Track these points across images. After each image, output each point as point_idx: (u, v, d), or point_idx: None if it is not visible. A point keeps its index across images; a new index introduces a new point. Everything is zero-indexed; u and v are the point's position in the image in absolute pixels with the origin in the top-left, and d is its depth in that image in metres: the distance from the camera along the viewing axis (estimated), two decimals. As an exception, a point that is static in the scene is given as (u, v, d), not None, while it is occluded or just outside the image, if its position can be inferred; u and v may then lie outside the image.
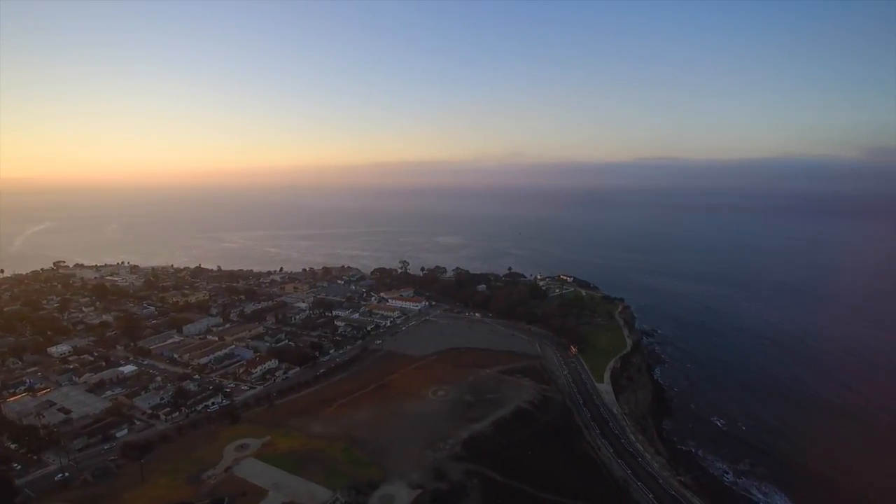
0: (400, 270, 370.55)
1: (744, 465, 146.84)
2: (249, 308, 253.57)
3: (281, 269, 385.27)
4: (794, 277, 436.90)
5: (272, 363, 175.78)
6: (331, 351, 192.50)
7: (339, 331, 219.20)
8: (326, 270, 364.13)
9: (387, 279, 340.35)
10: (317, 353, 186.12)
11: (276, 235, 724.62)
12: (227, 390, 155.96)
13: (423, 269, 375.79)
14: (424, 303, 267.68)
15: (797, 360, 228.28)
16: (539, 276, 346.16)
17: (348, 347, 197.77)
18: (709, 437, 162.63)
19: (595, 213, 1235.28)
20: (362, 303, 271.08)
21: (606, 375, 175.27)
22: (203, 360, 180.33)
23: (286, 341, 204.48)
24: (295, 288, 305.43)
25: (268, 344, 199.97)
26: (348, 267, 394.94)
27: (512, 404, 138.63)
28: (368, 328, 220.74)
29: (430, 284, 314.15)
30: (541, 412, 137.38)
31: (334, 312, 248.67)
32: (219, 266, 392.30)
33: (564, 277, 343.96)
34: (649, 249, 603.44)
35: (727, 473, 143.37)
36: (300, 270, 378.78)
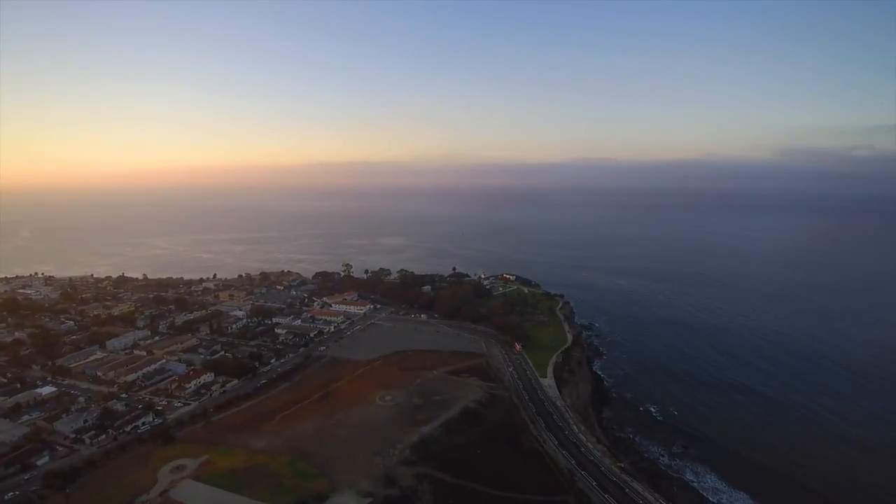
0: (343, 274, 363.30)
1: (677, 447, 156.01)
2: (180, 319, 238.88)
3: (214, 275, 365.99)
4: (716, 270, 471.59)
5: (208, 377, 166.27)
6: (271, 361, 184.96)
7: (280, 339, 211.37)
8: (264, 276, 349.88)
9: (329, 283, 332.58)
10: (256, 364, 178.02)
11: (207, 240, 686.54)
12: (159, 408, 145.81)
13: (367, 271, 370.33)
14: (369, 306, 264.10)
15: (717, 348, 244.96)
16: (483, 276, 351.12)
17: (290, 356, 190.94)
18: (644, 424, 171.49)
19: (534, 213, 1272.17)
20: (304, 309, 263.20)
21: (549, 370, 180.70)
22: (130, 378, 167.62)
23: (222, 353, 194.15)
24: (230, 295, 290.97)
25: (202, 356, 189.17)
26: (288, 271, 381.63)
27: (460, 404, 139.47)
28: (311, 335, 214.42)
29: (375, 287, 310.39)
30: (488, 410, 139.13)
31: (274, 320, 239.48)
32: (145, 274, 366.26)
33: (507, 276, 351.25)
34: (585, 246, 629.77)
35: (662, 456, 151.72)
36: (236, 277, 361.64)
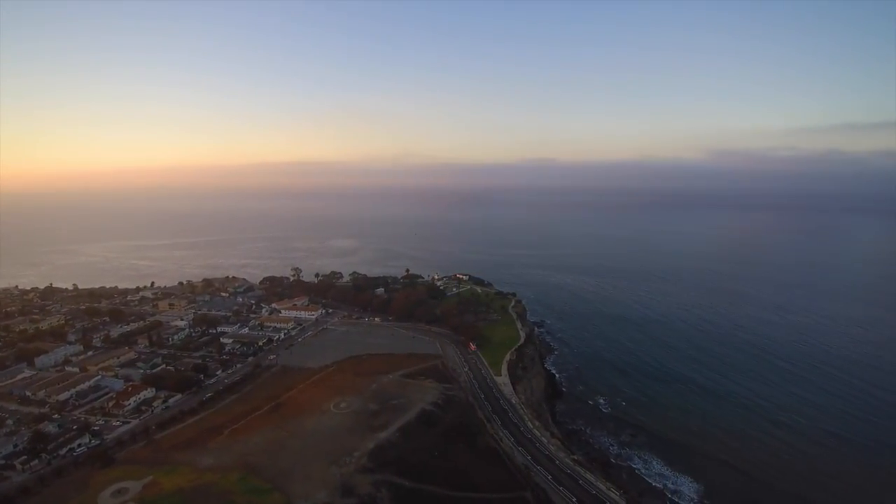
0: (292, 278, 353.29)
1: (625, 436, 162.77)
2: (116, 331, 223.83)
3: (152, 283, 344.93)
4: (655, 266, 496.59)
5: (148, 392, 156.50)
6: (217, 372, 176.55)
7: (227, 349, 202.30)
8: (207, 283, 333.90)
9: (278, 288, 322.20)
10: (201, 376, 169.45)
11: (143, 246, 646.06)
12: (96, 428, 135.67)
13: (317, 275, 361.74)
14: (321, 311, 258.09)
15: (657, 340, 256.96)
16: (436, 276, 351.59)
17: (238, 366, 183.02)
18: (595, 416, 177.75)
19: (485, 212, 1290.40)
20: (251, 316, 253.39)
21: (504, 368, 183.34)
22: (63, 396, 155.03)
23: (163, 366, 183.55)
24: (171, 305, 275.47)
25: (141, 371, 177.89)
26: (233, 277, 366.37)
27: (416, 408, 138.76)
28: (260, 343, 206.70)
29: (326, 291, 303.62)
30: (445, 412, 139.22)
31: (219, 329, 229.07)
32: (75, 284, 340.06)
33: (461, 276, 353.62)
34: (534, 245, 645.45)
35: (612, 446, 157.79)
36: (176, 284, 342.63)
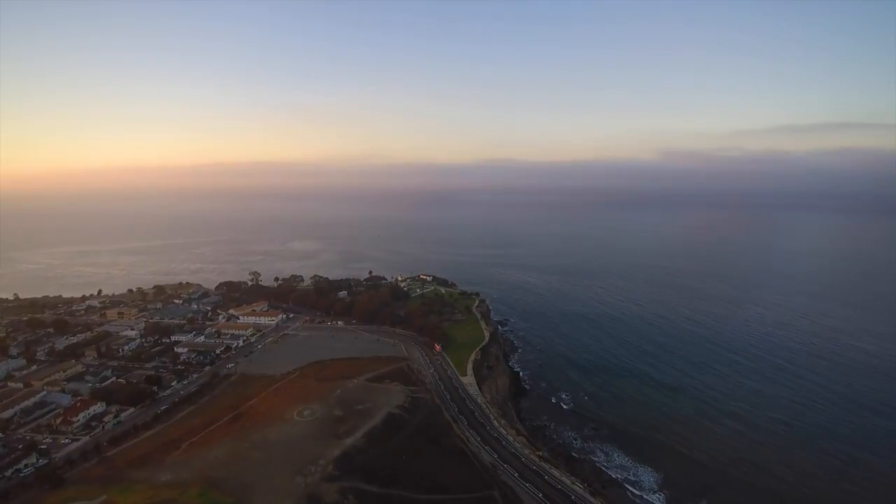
0: (251, 283, 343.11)
1: (588, 431, 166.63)
2: (61, 343, 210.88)
3: (100, 291, 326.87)
4: (612, 263, 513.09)
5: (98, 407, 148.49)
6: (172, 383, 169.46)
7: (182, 358, 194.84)
8: (160, 289, 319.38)
9: (235, 294, 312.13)
10: (155, 388, 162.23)
11: (89, 251, 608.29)
12: (43, 447, 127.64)
13: (277, 279, 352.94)
14: (281, 316, 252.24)
15: (614, 336, 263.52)
16: (400, 278, 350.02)
17: (194, 376, 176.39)
18: (558, 412, 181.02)
19: (447, 212, 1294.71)
20: (207, 323, 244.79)
21: (469, 368, 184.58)
22: (6, 414, 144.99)
23: (114, 378, 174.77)
24: (120, 313, 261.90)
25: (90, 384, 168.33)
26: (187, 283, 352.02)
27: (383, 412, 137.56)
28: (217, 351, 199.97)
29: (287, 295, 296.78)
30: (411, 415, 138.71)
31: (173, 338, 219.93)
32: (15, 294, 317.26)
33: (424, 277, 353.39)
34: (497, 244, 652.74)
35: (576, 440, 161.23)
36: (125, 292, 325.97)
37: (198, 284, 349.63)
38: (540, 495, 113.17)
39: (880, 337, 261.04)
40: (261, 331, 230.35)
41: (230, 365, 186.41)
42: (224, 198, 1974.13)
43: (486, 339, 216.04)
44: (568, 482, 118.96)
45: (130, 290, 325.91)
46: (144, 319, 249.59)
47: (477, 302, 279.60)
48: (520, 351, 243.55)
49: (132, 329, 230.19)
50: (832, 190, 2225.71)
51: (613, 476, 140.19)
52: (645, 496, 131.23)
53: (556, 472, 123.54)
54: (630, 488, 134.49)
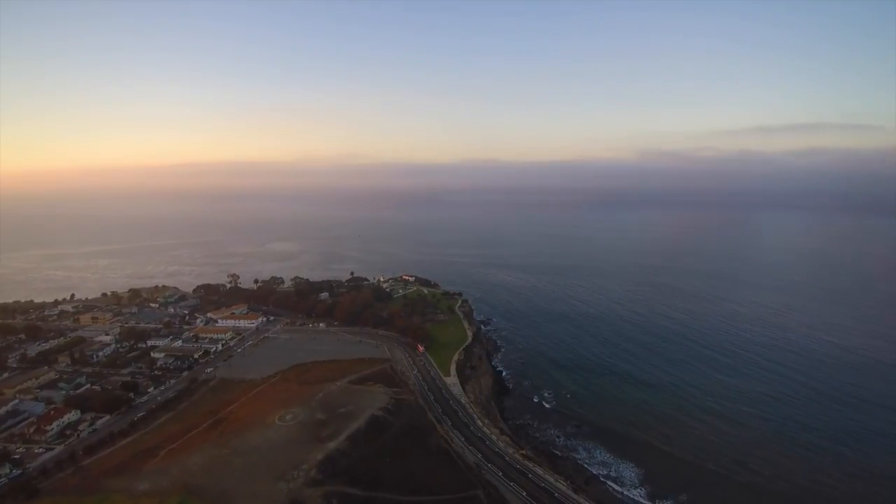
0: (229, 285, 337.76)
1: (570, 428, 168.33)
2: (33, 349, 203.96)
3: (73, 296, 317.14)
4: (593, 261, 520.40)
5: (73, 415, 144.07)
6: (149, 389, 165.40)
7: (159, 363, 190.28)
8: (135, 293, 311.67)
9: (214, 297, 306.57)
10: (131, 395, 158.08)
11: (61, 254, 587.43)
12: (16, 457, 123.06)
13: (256, 281, 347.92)
14: (261, 318, 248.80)
15: (595, 335, 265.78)
16: (382, 278, 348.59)
17: (172, 382, 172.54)
18: (541, 410, 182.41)
19: (430, 212, 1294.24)
20: (185, 327, 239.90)
21: (452, 368, 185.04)
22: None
23: (88, 385, 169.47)
24: (94, 318, 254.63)
25: (64, 392, 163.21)
26: (163, 286, 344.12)
27: (366, 414, 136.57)
28: (195, 356, 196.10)
29: (267, 298, 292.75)
30: (395, 417, 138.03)
31: (150, 343, 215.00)
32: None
33: (407, 277, 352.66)
34: (480, 244, 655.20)
35: (559, 438, 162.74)
36: (99, 296, 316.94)
37: (175, 287, 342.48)
38: (524, 494, 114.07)
39: (847, 330, 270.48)
40: (240, 334, 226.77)
41: (209, 369, 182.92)
42: (200, 198, 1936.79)
43: (469, 339, 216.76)
44: (551, 480, 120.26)
45: (105, 294, 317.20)
46: (119, 324, 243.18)
47: (460, 302, 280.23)
48: (503, 350, 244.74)
49: (107, 334, 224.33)
50: (803, 189, 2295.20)
51: (595, 473, 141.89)
52: (626, 492, 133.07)
53: (539, 471, 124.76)
54: (612, 484, 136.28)
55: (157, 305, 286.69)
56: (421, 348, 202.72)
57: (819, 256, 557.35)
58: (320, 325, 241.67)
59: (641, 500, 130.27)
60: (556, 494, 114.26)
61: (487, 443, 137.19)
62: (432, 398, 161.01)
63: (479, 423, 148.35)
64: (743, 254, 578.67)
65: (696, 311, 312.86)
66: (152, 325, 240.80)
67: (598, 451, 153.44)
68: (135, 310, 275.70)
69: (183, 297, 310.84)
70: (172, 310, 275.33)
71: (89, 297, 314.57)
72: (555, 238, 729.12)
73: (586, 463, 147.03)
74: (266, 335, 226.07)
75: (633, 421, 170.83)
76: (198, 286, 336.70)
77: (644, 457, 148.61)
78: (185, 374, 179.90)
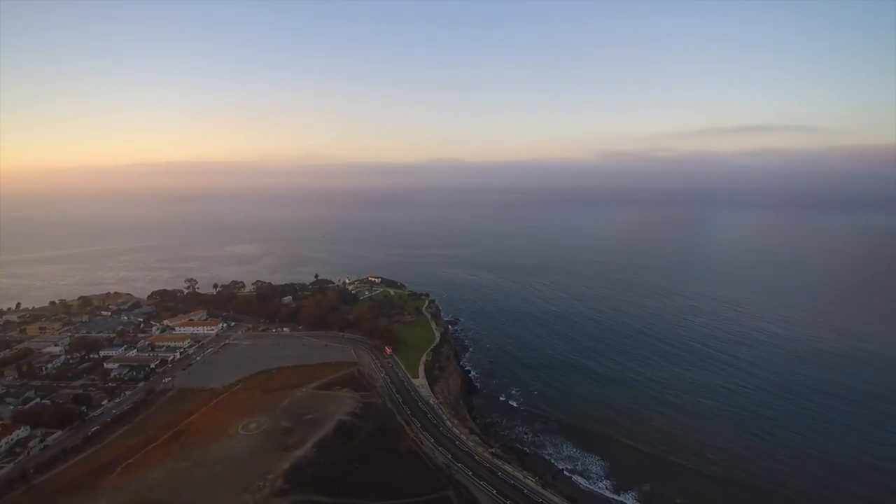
0: (186, 290, 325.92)
1: (538, 425, 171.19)
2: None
3: (18, 305, 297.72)
4: (556, 259, 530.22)
5: (22, 431, 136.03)
6: (103, 402, 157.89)
7: (112, 374, 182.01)
8: (85, 301, 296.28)
9: (170, 303, 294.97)
10: (84, 409, 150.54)
11: (2, 261, 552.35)
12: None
13: (216, 286, 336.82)
14: (221, 325, 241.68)
15: (559, 334, 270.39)
16: (348, 281, 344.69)
17: (127, 393, 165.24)
18: (509, 409, 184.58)
19: (394, 213, 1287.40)
20: (140, 335, 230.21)
21: (420, 370, 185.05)
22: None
23: (37, 399, 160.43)
24: (42, 328, 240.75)
25: (11, 407, 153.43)
26: (116, 293, 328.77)
27: (333, 420, 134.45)
28: (152, 365, 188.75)
29: (227, 303, 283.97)
30: (363, 421, 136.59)
31: (102, 353, 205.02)
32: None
33: (373, 279, 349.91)
34: (445, 244, 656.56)
35: (527, 435, 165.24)
36: (47, 304, 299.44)
37: (128, 294, 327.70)
38: (494, 492, 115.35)
39: (793, 322, 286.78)
40: (199, 341, 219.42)
41: (167, 379, 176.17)
42: (154, 200, 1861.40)
43: (437, 339, 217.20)
44: (520, 477, 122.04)
45: (53, 303, 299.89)
46: (69, 334, 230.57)
47: (427, 303, 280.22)
48: (471, 350, 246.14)
49: (56, 345, 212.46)
50: (753, 187, 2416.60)
51: (563, 467, 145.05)
52: (592, 484, 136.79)
53: (508, 468, 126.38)
54: (579, 478, 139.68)
55: (110, 313, 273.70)
56: (388, 350, 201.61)
57: (768, 252, 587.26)
58: (284, 329, 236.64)
59: (607, 492, 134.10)
60: (526, 491, 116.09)
61: (457, 443, 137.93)
62: (401, 400, 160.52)
63: (448, 423, 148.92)
64: (697, 251, 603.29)
65: (654, 307, 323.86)
66: (105, 335, 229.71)
67: (564, 447, 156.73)
68: (85, 318, 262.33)
69: (137, 303, 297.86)
70: (126, 318, 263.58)
71: (36, 307, 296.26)
72: (518, 238, 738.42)
73: (554, 458, 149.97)
74: (227, 342, 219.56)
75: (598, 416, 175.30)
76: (153, 292, 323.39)
77: (608, 450, 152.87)
78: (142, 384, 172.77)
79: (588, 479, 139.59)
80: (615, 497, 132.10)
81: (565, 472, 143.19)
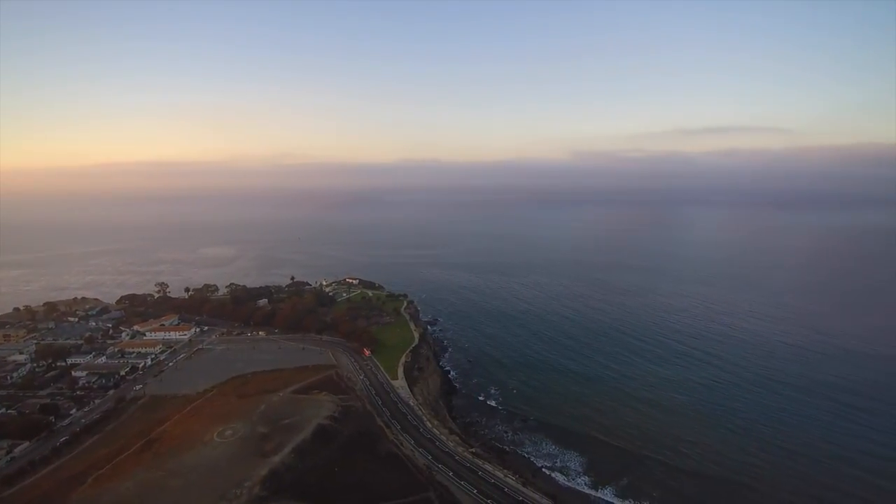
0: (157, 295, 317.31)
1: (517, 423, 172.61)
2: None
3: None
4: (536, 258, 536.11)
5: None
6: (72, 411, 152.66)
7: (81, 382, 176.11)
8: (51, 307, 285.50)
9: (140, 308, 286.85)
10: (52, 418, 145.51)
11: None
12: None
13: (188, 289, 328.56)
14: (194, 329, 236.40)
15: (536, 333, 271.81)
16: (325, 282, 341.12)
17: (97, 402, 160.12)
18: (489, 408, 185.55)
19: (371, 213, 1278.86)
20: (109, 342, 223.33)
21: (400, 371, 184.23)
22: None
23: (3, 410, 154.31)
24: (6, 336, 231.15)
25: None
26: (83, 298, 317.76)
27: (312, 424, 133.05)
28: (122, 372, 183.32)
29: (200, 307, 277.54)
30: (342, 425, 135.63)
31: (70, 360, 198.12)
32: None
33: (350, 280, 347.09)
34: (423, 245, 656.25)
35: (506, 433, 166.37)
36: (10, 311, 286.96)
37: (96, 299, 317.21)
38: (475, 492, 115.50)
39: (761, 317, 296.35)
40: (172, 347, 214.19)
41: (138, 386, 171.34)
42: (118, 201, 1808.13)
43: (416, 340, 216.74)
44: (501, 475, 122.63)
45: (17, 309, 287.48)
46: (35, 341, 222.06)
47: (405, 303, 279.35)
48: (450, 350, 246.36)
49: (21, 353, 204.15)
50: (722, 187, 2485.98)
51: (542, 465, 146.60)
52: (571, 480, 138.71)
53: (489, 467, 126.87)
54: (558, 475, 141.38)
55: (77, 319, 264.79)
56: (367, 352, 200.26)
57: (736, 250, 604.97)
58: (259, 333, 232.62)
59: (586, 488, 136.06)
60: (506, 489, 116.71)
61: (437, 443, 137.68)
62: (380, 402, 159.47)
63: (428, 424, 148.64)
64: (669, 248, 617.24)
65: (629, 305, 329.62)
66: (72, 341, 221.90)
67: (544, 444, 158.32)
68: (52, 325, 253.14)
69: (105, 309, 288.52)
70: (94, 323, 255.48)
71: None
72: (496, 238, 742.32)
73: (533, 456, 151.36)
74: (200, 347, 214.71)
75: (575, 414, 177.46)
76: (122, 297, 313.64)
77: (586, 447, 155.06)
78: (112, 392, 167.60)
79: (567, 475, 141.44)
80: (594, 492, 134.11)
81: (545, 469, 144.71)
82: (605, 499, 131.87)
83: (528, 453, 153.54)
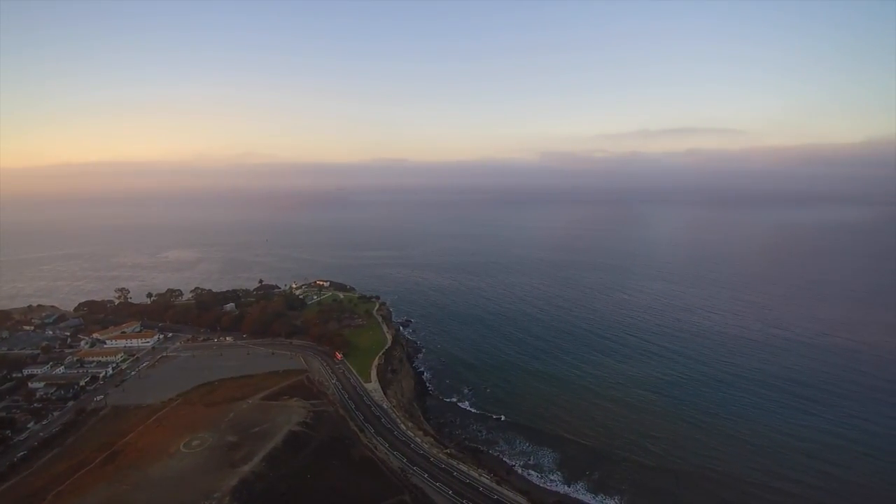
0: (118, 301, 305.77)
1: (491, 423, 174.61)
2: None
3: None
4: (505, 257, 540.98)
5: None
6: (29, 425, 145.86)
7: (38, 394, 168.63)
8: (4, 315, 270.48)
9: (100, 314, 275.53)
10: (7, 433, 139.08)
11: None
12: None
13: (150, 295, 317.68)
14: (157, 336, 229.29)
15: (505, 335, 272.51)
16: (295, 285, 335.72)
17: (55, 414, 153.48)
18: (462, 408, 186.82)
19: (339, 214, 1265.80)
20: (67, 351, 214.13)
21: (373, 374, 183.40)
22: None
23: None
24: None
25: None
26: (38, 305, 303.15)
27: (283, 431, 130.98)
28: (82, 383, 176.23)
29: (163, 313, 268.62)
30: (315, 430, 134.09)
31: (26, 371, 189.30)
32: None
33: (321, 283, 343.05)
34: (393, 245, 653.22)
35: (480, 433, 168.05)
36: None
37: (52, 306, 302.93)
38: (450, 492, 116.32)
39: (721, 312, 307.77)
40: (134, 355, 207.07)
41: (98, 397, 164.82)
42: (76, 203, 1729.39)
43: (389, 342, 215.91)
44: (475, 475, 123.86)
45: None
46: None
47: (377, 305, 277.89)
48: (423, 351, 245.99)
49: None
50: (681, 186, 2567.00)
51: (516, 463, 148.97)
52: (544, 477, 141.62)
53: (463, 467, 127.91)
54: (532, 472, 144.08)
55: (33, 328, 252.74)
56: (339, 356, 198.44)
57: (695, 247, 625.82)
58: (227, 339, 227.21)
59: (558, 484, 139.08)
60: (481, 489, 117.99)
61: (412, 445, 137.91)
62: (353, 406, 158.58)
63: (402, 426, 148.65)
64: (632, 246, 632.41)
65: (595, 304, 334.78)
66: (28, 351, 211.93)
67: (517, 443, 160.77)
68: (5, 334, 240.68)
69: (63, 316, 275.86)
70: (51, 332, 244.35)
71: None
72: (465, 238, 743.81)
73: (507, 455, 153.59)
74: (164, 354, 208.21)
75: (545, 413, 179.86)
76: (80, 303, 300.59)
77: (558, 445, 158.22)
78: (71, 404, 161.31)
79: (540, 472, 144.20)
80: (566, 488, 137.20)
81: (518, 467, 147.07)
82: (578, 495, 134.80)
83: (501, 452, 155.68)
